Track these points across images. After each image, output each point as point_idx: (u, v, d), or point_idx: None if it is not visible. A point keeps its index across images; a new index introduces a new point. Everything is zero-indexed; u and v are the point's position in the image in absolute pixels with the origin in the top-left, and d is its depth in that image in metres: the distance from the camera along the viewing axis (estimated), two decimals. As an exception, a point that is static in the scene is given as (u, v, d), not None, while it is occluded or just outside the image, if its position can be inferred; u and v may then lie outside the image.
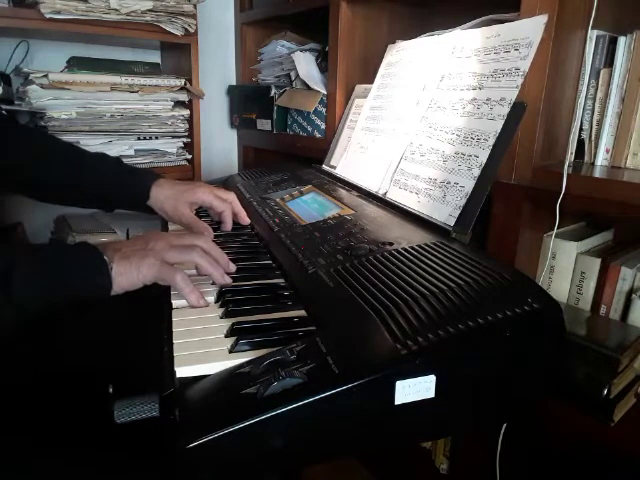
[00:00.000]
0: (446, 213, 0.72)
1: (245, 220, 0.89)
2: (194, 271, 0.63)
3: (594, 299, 0.79)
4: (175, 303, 0.60)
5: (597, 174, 0.73)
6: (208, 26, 1.48)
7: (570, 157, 0.80)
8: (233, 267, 0.67)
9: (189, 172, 1.39)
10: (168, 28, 1.23)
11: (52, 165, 0.85)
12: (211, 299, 0.61)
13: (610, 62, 0.76)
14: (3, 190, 1.14)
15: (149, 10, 1.18)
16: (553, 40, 0.70)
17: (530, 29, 0.69)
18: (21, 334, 0.73)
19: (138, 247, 0.61)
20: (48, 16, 1.07)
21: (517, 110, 0.69)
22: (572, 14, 0.72)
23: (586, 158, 0.81)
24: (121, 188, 0.87)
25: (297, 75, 1.28)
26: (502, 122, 0.69)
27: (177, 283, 0.59)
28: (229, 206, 0.87)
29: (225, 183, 1.21)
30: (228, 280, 0.64)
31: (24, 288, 0.53)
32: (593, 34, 0.75)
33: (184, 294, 0.59)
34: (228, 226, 0.87)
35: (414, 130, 0.86)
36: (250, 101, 1.49)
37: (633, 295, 0.75)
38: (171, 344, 0.51)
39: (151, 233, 0.68)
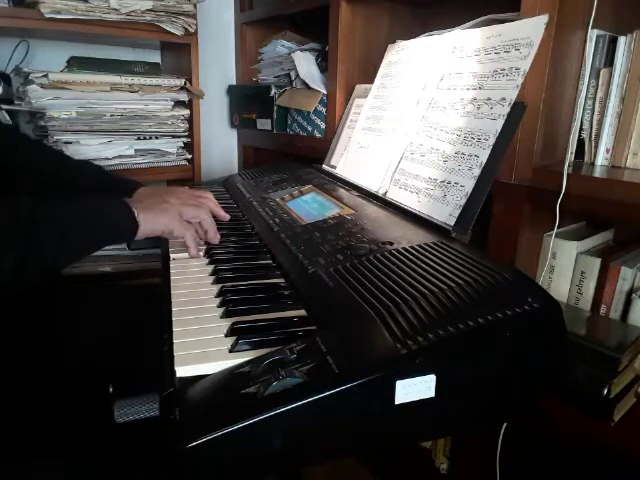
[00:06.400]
0: (446, 213, 0.72)
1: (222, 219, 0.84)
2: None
3: (594, 299, 0.79)
4: (175, 302, 0.60)
5: (597, 174, 0.73)
6: (208, 26, 1.48)
7: (570, 157, 0.80)
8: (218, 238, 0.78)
9: (189, 172, 1.39)
10: (168, 28, 1.23)
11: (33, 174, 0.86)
12: (211, 297, 0.61)
13: (610, 62, 0.76)
14: None
15: (149, 10, 1.18)
16: (553, 40, 0.70)
17: (531, 29, 0.69)
18: (21, 333, 0.73)
19: (158, 200, 0.72)
20: (48, 16, 1.07)
21: (517, 110, 0.69)
22: (572, 14, 0.72)
23: (586, 158, 0.81)
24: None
25: (297, 75, 1.28)
26: (502, 122, 0.69)
27: (187, 237, 0.72)
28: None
29: (225, 183, 1.21)
30: (218, 238, 0.77)
31: (74, 235, 0.61)
32: (593, 34, 0.75)
33: (190, 247, 0.72)
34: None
35: (414, 130, 0.86)
36: (250, 101, 1.49)
37: (633, 295, 0.75)
38: (171, 343, 0.51)
39: (163, 189, 0.81)
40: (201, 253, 0.75)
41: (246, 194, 1.04)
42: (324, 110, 1.22)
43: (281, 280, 0.66)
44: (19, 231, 0.55)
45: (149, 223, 0.68)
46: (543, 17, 0.68)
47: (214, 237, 0.76)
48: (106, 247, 0.70)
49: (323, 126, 1.23)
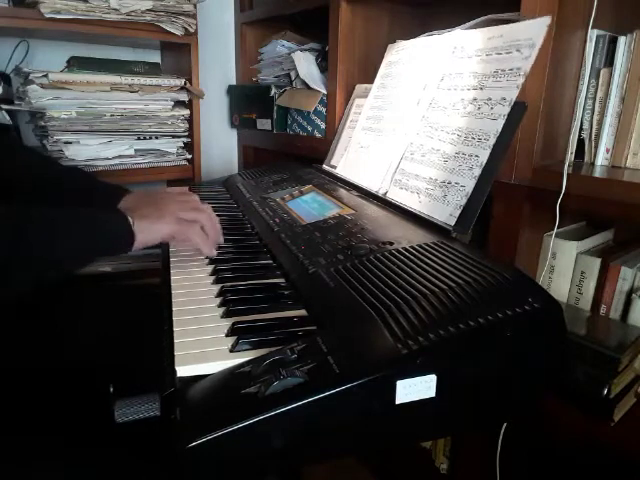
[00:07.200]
0: (447, 213, 0.72)
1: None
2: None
3: (594, 299, 0.79)
4: (175, 302, 0.60)
5: (597, 174, 0.74)
6: (208, 26, 1.48)
7: (570, 157, 0.80)
8: (222, 240, 0.74)
9: (189, 172, 1.39)
10: (168, 28, 1.23)
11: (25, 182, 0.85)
12: (211, 297, 0.61)
13: (610, 62, 0.76)
14: None
15: (149, 10, 1.18)
16: (553, 40, 0.70)
17: (533, 30, 0.69)
18: (22, 333, 0.73)
19: (153, 208, 0.68)
20: (48, 16, 1.07)
21: (517, 110, 0.68)
22: (572, 14, 0.72)
23: (586, 158, 0.81)
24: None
25: (297, 75, 1.28)
26: (503, 122, 0.69)
27: (193, 236, 0.67)
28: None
29: (225, 183, 1.21)
30: (215, 252, 0.71)
31: (65, 241, 0.58)
32: (593, 34, 0.75)
33: (199, 246, 0.68)
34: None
35: (414, 130, 0.86)
36: (250, 101, 1.49)
37: (633, 295, 0.75)
38: (171, 343, 0.51)
39: (157, 194, 0.76)
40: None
41: (246, 194, 1.04)
42: (324, 110, 1.22)
43: (281, 280, 0.66)
44: (5, 230, 0.53)
45: (146, 233, 0.64)
46: (546, 18, 0.67)
47: (213, 243, 0.70)
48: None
49: (323, 126, 1.23)
